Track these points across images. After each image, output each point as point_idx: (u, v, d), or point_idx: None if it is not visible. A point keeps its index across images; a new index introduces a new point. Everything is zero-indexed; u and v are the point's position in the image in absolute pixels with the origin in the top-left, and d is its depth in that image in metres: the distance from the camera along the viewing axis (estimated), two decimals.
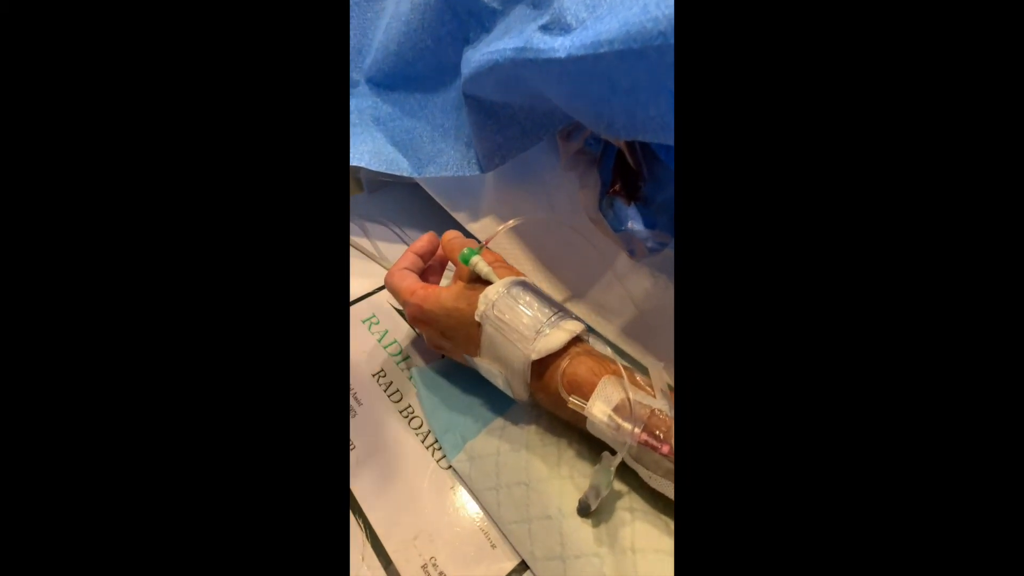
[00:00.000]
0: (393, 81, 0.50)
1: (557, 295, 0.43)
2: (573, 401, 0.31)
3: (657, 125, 0.30)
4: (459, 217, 0.50)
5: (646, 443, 0.29)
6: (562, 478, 0.34)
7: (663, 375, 0.32)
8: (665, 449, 0.29)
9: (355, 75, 0.53)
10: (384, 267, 0.54)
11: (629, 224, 0.40)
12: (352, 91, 0.53)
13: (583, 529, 0.31)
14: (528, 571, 0.34)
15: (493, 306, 0.34)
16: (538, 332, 0.32)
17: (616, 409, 0.30)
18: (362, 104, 0.52)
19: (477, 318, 0.34)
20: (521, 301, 0.34)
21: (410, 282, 0.39)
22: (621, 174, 0.42)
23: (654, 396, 0.31)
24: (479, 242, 0.42)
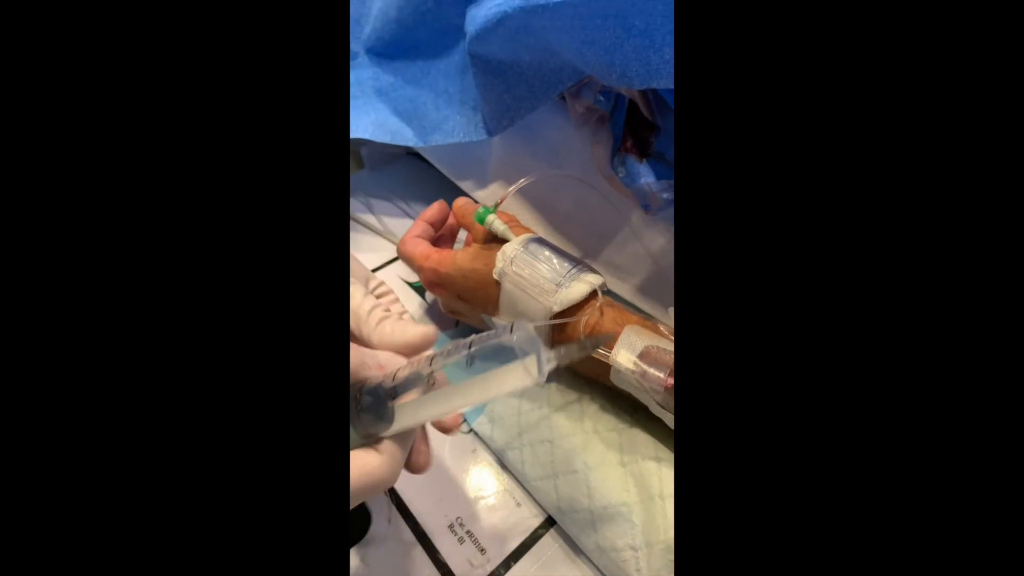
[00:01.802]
0: (394, 50, 0.49)
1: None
2: (597, 351, 0.31)
3: (673, 69, 0.30)
4: (464, 186, 0.50)
5: (673, 388, 0.29)
6: (586, 432, 0.34)
7: None
8: None
9: (354, 46, 0.53)
10: (391, 241, 0.53)
11: (642, 180, 0.39)
12: (352, 63, 0.52)
13: (610, 481, 0.31)
14: (555, 526, 0.34)
15: (511, 263, 0.33)
16: (558, 285, 0.32)
17: (641, 356, 0.30)
18: (363, 75, 0.51)
19: (495, 276, 0.34)
20: (539, 256, 0.33)
21: (423, 248, 0.39)
22: (632, 131, 0.41)
23: None
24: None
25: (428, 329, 0.23)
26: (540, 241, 0.35)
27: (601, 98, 0.41)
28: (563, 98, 0.44)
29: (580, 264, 0.33)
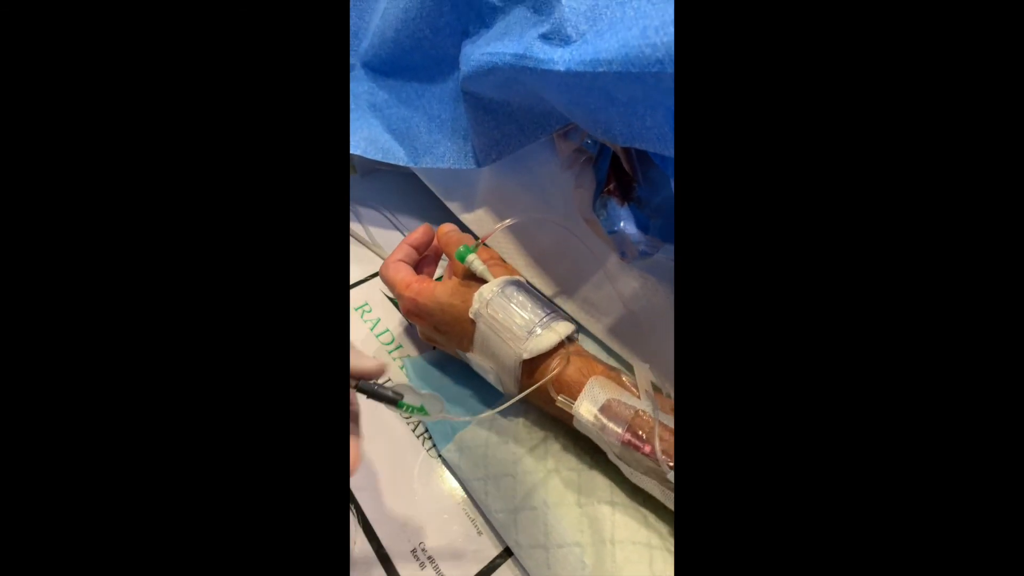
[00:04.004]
0: (390, 68, 0.50)
1: (548, 290, 0.44)
2: (561, 400, 0.32)
3: (655, 135, 0.31)
4: (452, 207, 0.50)
5: (629, 443, 0.30)
6: (548, 471, 0.35)
7: (647, 376, 0.34)
8: (647, 449, 0.30)
9: (351, 59, 0.53)
10: (377, 254, 0.54)
11: (622, 224, 0.40)
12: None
13: (566, 520, 0.33)
14: (512, 557, 0.35)
15: (487, 305, 0.35)
16: (530, 332, 0.33)
17: (602, 409, 0.31)
18: (358, 89, 0.52)
19: (471, 315, 0.35)
20: (514, 301, 0.35)
21: (404, 275, 0.40)
22: (616, 174, 0.42)
23: (638, 397, 0.32)
24: (475, 237, 0.42)
25: (381, 362, 0.30)
26: (517, 285, 0.36)
27: (589, 141, 0.42)
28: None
29: (553, 312, 0.35)
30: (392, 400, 0.29)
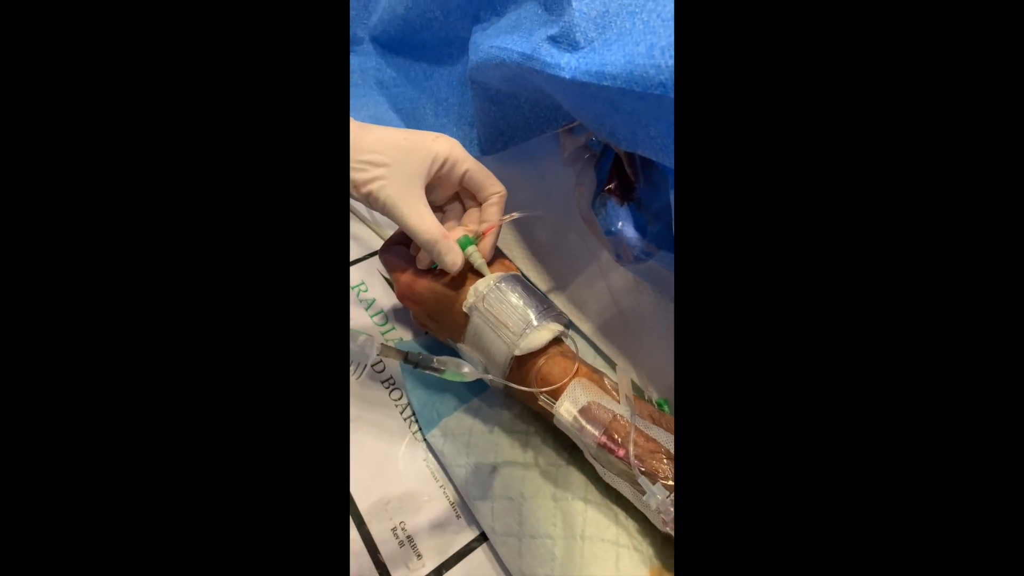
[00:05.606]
0: (399, 45, 0.49)
1: (542, 284, 0.44)
2: (543, 399, 0.33)
3: (657, 145, 0.31)
4: None
5: (604, 446, 0.31)
6: (527, 463, 0.36)
7: (628, 380, 0.34)
8: (621, 453, 0.31)
9: (360, 32, 0.52)
10: (377, 233, 0.54)
11: (620, 225, 0.41)
12: (356, 48, 0.52)
13: (541, 512, 0.34)
14: (487, 542, 0.37)
15: (483, 299, 0.35)
16: (523, 330, 0.34)
17: (582, 411, 0.32)
18: (366, 64, 0.51)
19: (465, 309, 0.36)
20: (510, 297, 0.35)
21: (403, 259, 0.40)
22: (618, 174, 0.42)
23: (618, 402, 0.33)
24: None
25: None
26: (513, 280, 0.36)
27: (594, 139, 0.42)
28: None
29: (547, 309, 0.35)
30: (437, 370, 0.35)
